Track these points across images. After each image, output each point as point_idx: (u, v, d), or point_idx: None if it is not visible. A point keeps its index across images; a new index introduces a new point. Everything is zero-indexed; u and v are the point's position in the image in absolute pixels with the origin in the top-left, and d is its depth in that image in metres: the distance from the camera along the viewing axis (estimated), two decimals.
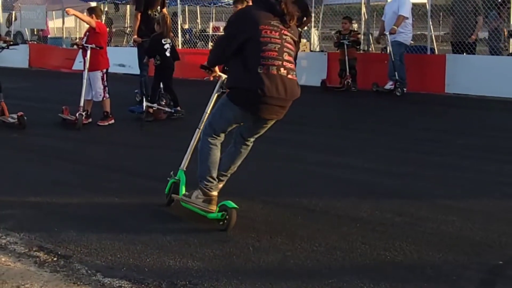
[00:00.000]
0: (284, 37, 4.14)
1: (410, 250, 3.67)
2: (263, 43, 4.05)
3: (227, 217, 4.05)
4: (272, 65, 4.04)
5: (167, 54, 8.16)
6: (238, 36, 4.11)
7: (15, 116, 7.66)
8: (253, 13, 4.19)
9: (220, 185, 4.46)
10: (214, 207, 4.19)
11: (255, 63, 4.03)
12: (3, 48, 8.35)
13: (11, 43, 8.51)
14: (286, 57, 4.10)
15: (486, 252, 3.64)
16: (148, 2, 8.93)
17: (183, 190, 4.43)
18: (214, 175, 4.31)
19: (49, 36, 20.65)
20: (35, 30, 20.81)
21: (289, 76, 4.10)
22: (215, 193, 4.28)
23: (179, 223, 4.20)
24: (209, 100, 4.47)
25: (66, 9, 8.75)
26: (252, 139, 4.41)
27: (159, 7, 9.04)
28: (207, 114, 4.45)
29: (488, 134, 7.23)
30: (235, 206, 4.07)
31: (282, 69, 4.06)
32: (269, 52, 4.05)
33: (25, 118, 7.63)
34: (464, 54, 10.79)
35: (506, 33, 11.43)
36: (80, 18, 8.90)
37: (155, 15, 8.84)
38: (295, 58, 4.27)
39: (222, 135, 4.34)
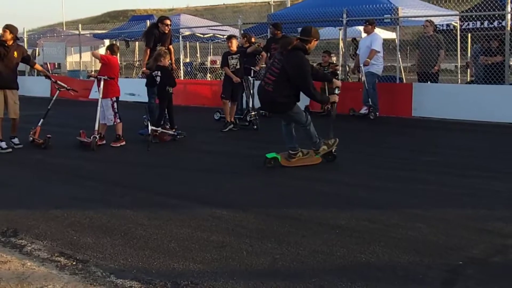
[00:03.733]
0: (274, 63, 6.12)
1: (382, 253, 3.70)
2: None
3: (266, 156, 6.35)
4: (262, 80, 6.33)
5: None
6: None
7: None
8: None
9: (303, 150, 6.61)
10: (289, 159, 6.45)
11: None
12: (66, 89, 8.56)
13: (71, 88, 8.64)
14: (268, 75, 6.17)
15: (448, 254, 3.67)
16: (157, 39, 9.01)
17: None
18: (287, 142, 6.45)
19: (67, 69, 20.74)
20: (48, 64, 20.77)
21: (266, 87, 6.14)
22: (291, 151, 6.42)
23: (183, 232, 4.21)
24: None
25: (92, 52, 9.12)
26: (292, 124, 6.47)
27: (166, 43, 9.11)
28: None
29: (449, 152, 7.29)
30: (270, 156, 6.31)
31: (263, 82, 6.23)
32: (265, 72, 6.41)
33: (50, 143, 7.92)
34: (429, 82, 10.90)
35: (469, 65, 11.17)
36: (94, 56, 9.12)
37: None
38: (294, 78, 5.99)
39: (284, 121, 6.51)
